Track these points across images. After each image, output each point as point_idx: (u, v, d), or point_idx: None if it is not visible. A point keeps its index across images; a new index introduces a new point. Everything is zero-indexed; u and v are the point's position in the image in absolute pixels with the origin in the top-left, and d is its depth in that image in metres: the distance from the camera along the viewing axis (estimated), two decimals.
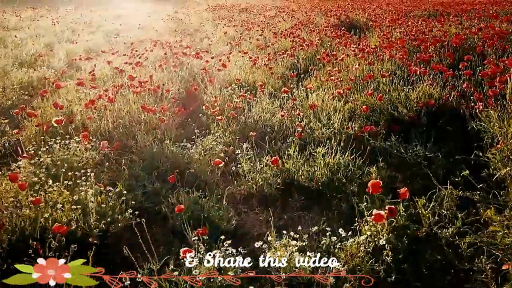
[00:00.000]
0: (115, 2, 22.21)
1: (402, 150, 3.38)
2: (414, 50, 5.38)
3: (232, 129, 3.61)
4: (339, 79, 4.69)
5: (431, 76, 4.09)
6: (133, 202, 2.34)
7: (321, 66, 5.88)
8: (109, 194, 2.36)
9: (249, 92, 4.64)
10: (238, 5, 22.63)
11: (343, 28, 8.94)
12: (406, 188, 2.31)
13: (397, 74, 4.72)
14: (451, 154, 3.35)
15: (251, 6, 21.46)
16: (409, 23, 8.07)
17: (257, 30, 9.38)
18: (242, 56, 5.79)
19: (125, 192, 2.35)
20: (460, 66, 4.19)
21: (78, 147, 2.81)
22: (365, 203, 2.25)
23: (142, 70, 4.94)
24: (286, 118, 3.71)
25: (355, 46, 6.08)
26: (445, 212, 2.53)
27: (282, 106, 4.25)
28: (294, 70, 6.07)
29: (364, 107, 3.79)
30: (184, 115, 3.89)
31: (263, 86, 4.53)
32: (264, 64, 5.43)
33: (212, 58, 5.70)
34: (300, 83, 5.69)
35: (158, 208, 2.43)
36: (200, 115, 4.01)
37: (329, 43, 7.24)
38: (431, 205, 2.42)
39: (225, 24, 12.29)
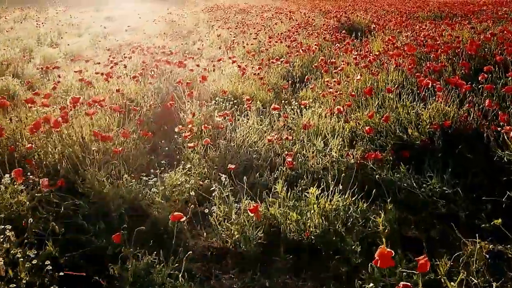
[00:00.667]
0: (114, 2, 21.68)
1: (414, 184, 2.79)
2: (423, 58, 4.78)
3: (211, 156, 3.02)
4: (338, 92, 4.09)
5: (446, 90, 3.49)
6: (61, 274, 1.75)
7: (318, 75, 5.29)
8: (29, 262, 1.77)
9: (235, 107, 4.06)
10: (236, 5, 22.05)
11: (344, 31, 8.34)
12: (426, 257, 1.71)
13: (404, 86, 4.13)
14: (473, 190, 2.76)
15: (249, 6, 20.88)
16: (416, 27, 7.47)
17: (251, 34, 8.79)
18: (232, 63, 5.19)
19: (48, 262, 1.75)
20: (479, 79, 3.60)
21: (7, 189, 2.21)
22: (371, 285, 1.65)
23: (115, 82, 4.34)
24: (275, 142, 3.12)
25: (356, 52, 5.49)
26: (475, 280, 1.94)
27: (272, 125, 3.66)
28: (289, 79, 5.48)
29: (367, 128, 3.19)
30: (156, 138, 3.30)
31: (250, 101, 3.94)
32: (255, 74, 4.84)
33: (198, 66, 5.10)
34: (294, 95, 5.10)
35: (94, 280, 1.83)
36: (176, 136, 3.42)
37: (328, 48, 6.65)
38: (459, 278, 1.82)
39: (219, 26, 11.72)
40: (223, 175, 2.67)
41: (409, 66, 4.30)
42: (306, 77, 5.04)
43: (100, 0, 23.15)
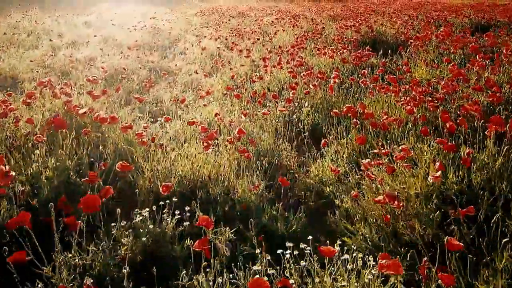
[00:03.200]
0: (113, 3, 19.72)
1: None
2: None
3: None
4: (394, 192, 1.97)
5: None
6: None
7: (341, 130, 3.18)
8: None
9: (181, 228, 1.97)
10: (235, 7, 19.98)
11: (367, 46, 6.21)
12: None
13: None
14: None
15: (249, 9, 18.82)
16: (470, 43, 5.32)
17: (241, 51, 6.68)
18: (190, 124, 3.07)
19: None
20: None
21: None
22: None
23: None
24: None
25: (404, 93, 3.37)
26: None
27: None
28: (293, 131, 3.38)
29: None
30: None
31: (212, 226, 1.83)
32: (231, 140, 2.72)
33: (127, 127, 2.99)
34: (302, 168, 3.02)
35: None
36: None
37: (351, 76, 4.53)
38: None
39: (206, 36, 9.62)
40: None
41: None
42: (323, 141, 2.91)
43: (97, 1, 21.18)
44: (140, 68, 5.97)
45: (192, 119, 2.91)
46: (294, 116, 3.51)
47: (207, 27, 11.74)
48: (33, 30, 10.92)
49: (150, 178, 2.45)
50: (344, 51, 5.60)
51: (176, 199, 2.14)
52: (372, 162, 2.32)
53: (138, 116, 3.69)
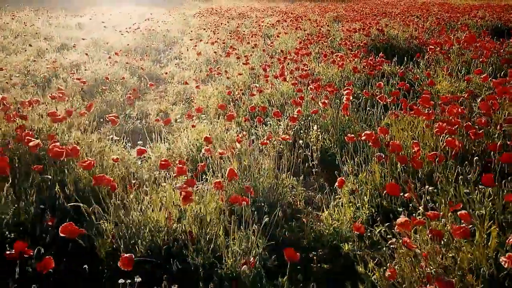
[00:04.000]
0: (110, 3, 19.26)
1: None
2: None
3: None
4: (450, 279, 1.37)
5: None
6: None
7: (359, 162, 2.57)
8: None
9: None
10: (235, 8, 19.40)
11: (377, 50, 5.60)
12: None
13: None
14: None
15: (250, 9, 18.24)
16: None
17: (238, 58, 6.07)
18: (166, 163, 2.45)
19: None
20: None
21: None
22: None
23: None
24: None
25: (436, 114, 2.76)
26: None
27: None
28: (299, 162, 2.78)
29: None
30: None
31: None
32: (219, 184, 2.10)
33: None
34: (311, 204, 2.44)
35: None
36: None
37: (365, 87, 3.92)
38: None
39: (202, 39, 9.02)
40: None
41: None
42: (339, 179, 2.29)
43: (97, 1, 20.68)
44: (124, 78, 5.34)
45: (168, 157, 2.29)
46: (301, 142, 2.89)
47: (205, 29, 11.14)
48: (22, 32, 10.34)
49: (111, 239, 1.85)
50: (355, 58, 4.98)
51: (140, 279, 1.54)
52: (409, 220, 1.72)
53: (113, 139, 3.08)
